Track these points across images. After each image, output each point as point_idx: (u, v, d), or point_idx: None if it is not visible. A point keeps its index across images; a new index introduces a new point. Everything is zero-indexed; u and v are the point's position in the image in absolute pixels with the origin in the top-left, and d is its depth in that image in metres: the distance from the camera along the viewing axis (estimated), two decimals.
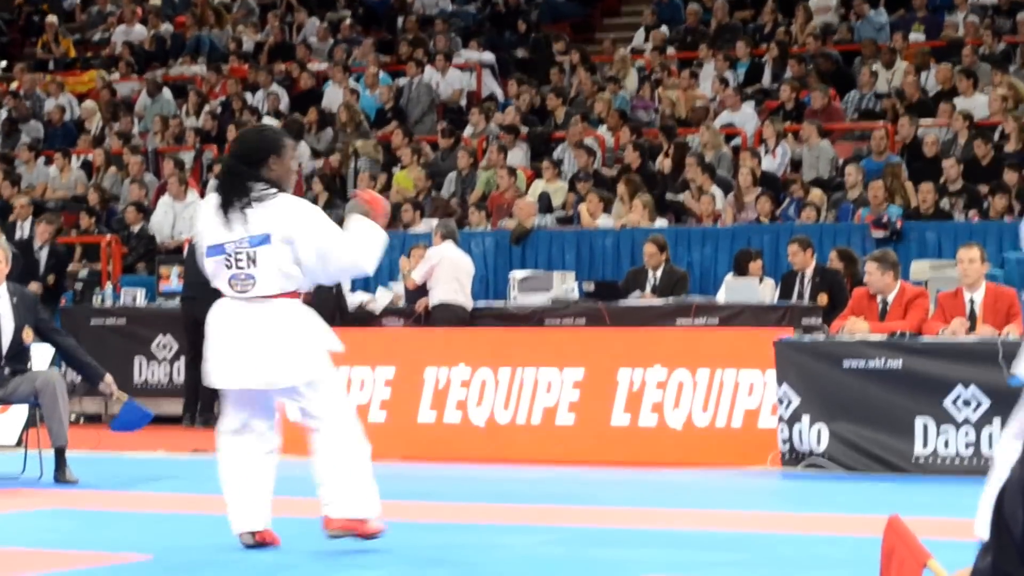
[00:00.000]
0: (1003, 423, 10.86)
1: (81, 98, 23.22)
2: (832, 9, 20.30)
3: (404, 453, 12.51)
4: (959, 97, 17.84)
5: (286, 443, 8.18)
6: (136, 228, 18.89)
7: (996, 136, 16.92)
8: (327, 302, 15.21)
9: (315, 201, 19.24)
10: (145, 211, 19.36)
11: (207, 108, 22.29)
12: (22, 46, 25.62)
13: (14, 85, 23.53)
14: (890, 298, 11.92)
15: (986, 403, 10.98)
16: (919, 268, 14.17)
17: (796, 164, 18.02)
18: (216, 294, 8.26)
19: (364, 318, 15.77)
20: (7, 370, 11.24)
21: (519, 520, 9.72)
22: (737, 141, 18.99)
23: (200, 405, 15.13)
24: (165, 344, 16.09)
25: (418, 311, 15.49)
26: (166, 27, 24.46)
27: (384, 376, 13.10)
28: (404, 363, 13.16)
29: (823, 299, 13.72)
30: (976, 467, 10.86)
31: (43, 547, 7.89)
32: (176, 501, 10.55)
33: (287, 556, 8.14)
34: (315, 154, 20.65)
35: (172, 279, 16.52)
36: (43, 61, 24.57)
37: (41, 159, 22.42)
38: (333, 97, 21.28)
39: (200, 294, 15.29)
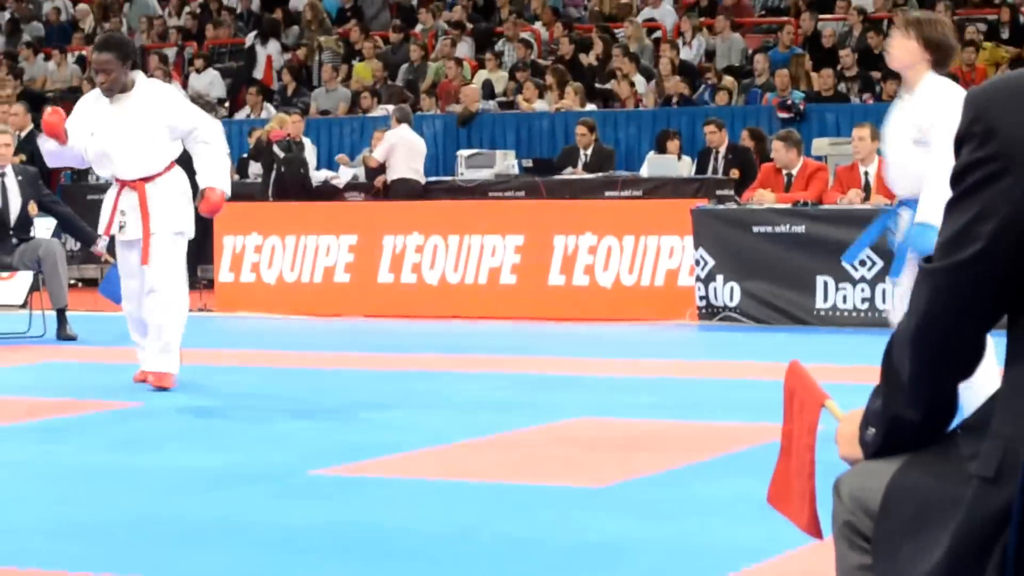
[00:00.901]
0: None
1: (75, 1, 23.20)
2: None
3: (366, 311, 12.95)
4: None
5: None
6: None
7: (885, 27, 17.08)
8: (295, 178, 15.40)
9: (284, 90, 19.63)
10: None
11: (187, 9, 22.11)
12: None
13: None
14: (794, 172, 12.09)
15: (879, 263, 11.06)
16: (820, 145, 14.35)
17: (710, 54, 18.09)
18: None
19: (329, 193, 15.79)
20: (14, 240, 11.48)
21: (469, 368, 9.86)
22: (658, 34, 19.04)
23: None
24: None
25: (377, 186, 15.48)
26: None
27: (348, 243, 13.25)
28: (365, 232, 13.25)
29: (735, 173, 13.90)
30: (871, 319, 11.14)
31: (46, 396, 7.96)
32: None
33: (248, 400, 8.31)
34: (284, 48, 20.50)
35: None
36: None
37: (40, 55, 22.39)
38: None
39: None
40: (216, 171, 8.37)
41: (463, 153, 16.00)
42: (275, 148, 15.56)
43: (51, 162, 9.02)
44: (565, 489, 5.81)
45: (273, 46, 20.31)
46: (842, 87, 16.38)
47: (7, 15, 23.87)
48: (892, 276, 7.29)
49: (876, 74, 16.35)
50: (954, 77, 15.48)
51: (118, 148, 8.22)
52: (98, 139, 8.28)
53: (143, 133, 8.25)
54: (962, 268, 2.33)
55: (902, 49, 6.61)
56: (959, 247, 2.32)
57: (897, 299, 7.04)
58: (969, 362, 2.45)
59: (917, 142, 6.55)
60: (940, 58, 6.69)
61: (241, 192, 15.52)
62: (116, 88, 8.21)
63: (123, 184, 8.35)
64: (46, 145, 8.46)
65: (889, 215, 7.04)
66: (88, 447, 6.94)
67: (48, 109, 8.65)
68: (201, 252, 14.65)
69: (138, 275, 8.39)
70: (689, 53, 18.02)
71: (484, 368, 9.84)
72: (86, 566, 4.63)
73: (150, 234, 8.21)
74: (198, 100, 16.72)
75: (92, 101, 8.54)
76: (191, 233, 8.55)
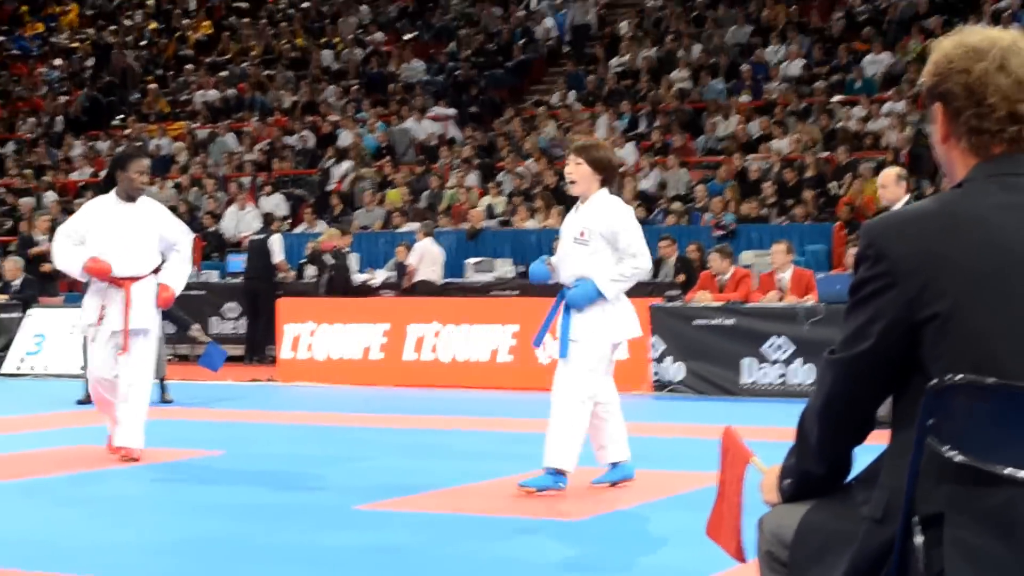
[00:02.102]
0: (804, 362, 11.16)
1: (173, 140, 23.16)
2: (687, 78, 20.39)
3: (395, 382, 12.48)
4: (774, 140, 17.91)
5: None
6: (211, 229, 18.75)
7: (798, 167, 17.06)
8: (341, 279, 15.42)
9: (333, 211, 19.70)
10: (217, 217, 19.14)
11: (258, 147, 21.93)
12: (133, 105, 25.29)
13: (128, 131, 23.45)
14: (726, 277, 11.75)
15: (791, 348, 10.79)
16: (746, 256, 13.99)
17: (663, 185, 17.81)
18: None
19: (367, 291, 15.60)
20: None
21: (475, 427, 9.50)
22: (623, 169, 18.85)
23: (254, 349, 15.21)
24: (232, 308, 16.04)
25: (405, 285, 15.31)
26: (231, 91, 24.28)
27: (381, 329, 12.98)
28: (394, 320, 13.02)
29: (681, 278, 13.60)
30: (784, 391, 10.76)
31: (153, 446, 7.65)
32: (242, 415, 10.47)
33: (305, 450, 8.02)
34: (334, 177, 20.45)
35: (235, 263, 16.58)
36: (146, 115, 24.38)
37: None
38: (345, 139, 21.19)
39: (255, 274, 15.74)
40: (179, 276, 7.58)
41: (471, 261, 15.87)
42: (326, 256, 15.45)
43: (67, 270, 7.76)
44: (549, 522, 5.71)
45: (338, 172, 20.25)
46: (764, 211, 16.18)
47: (121, 150, 23.81)
48: (561, 356, 6.21)
49: (790, 202, 16.18)
50: (833, 200, 15.85)
51: (120, 247, 7.25)
52: (103, 237, 7.26)
53: (142, 238, 7.36)
54: (858, 359, 2.18)
55: (577, 174, 6.14)
56: (856, 342, 2.17)
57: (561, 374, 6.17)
58: (862, 431, 2.31)
59: (577, 241, 6.15)
60: (608, 176, 6.28)
61: (298, 289, 15.50)
62: (141, 192, 7.46)
63: (113, 281, 7.28)
64: (75, 273, 7.54)
65: (560, 296, 6.28)
66: (182, 484, 6.85)
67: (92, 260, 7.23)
68: (267, 335, 14.68)
69: (112, 362, 7.32)
70: (646, 184, 17.82)
71: (486, 427, 9.64)
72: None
73: (129, 328, 7.24)
74: (268, 217, 16.90)
75: (103, 204, 7.48)
76: (157, 331, 7.77)
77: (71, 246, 7.38)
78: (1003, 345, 2.00)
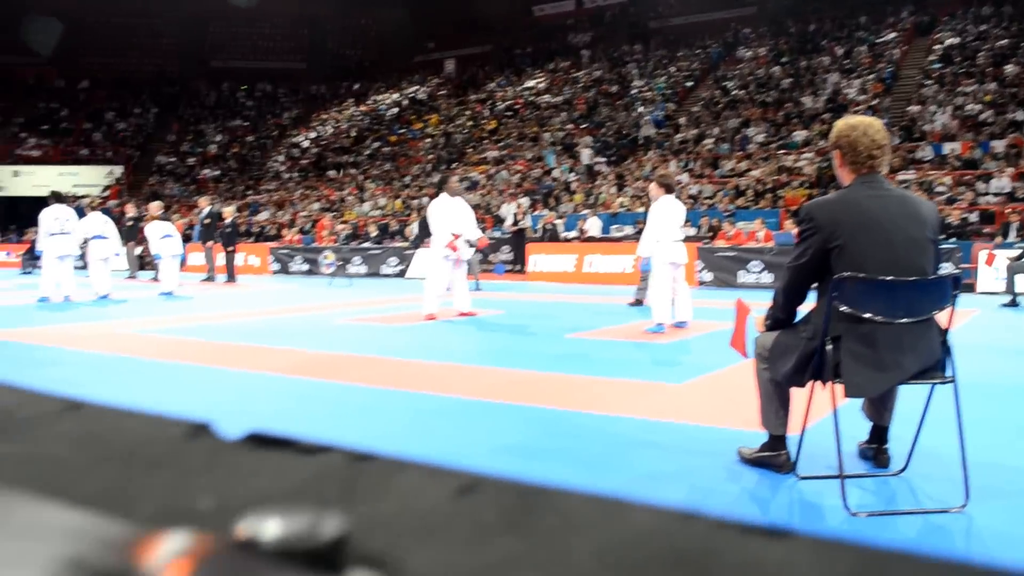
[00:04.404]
0: (767, 271, 16.55)
1: None
2: None
3: (581, 280, 19.24)
4: None
5: None
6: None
7: None
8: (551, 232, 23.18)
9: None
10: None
11: None
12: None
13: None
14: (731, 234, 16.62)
15: (762, 266, 17.41)
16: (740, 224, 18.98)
17: None
18: None
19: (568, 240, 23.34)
20: None
21: None
22: None
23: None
24: None
25: (583, 237, 23.29)
26: None
27: (574, 258, 20.60)
28: (579, 253, 20.64)
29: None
30: (758, 285, 17.04)
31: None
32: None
33: None
34: None
35: None
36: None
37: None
38: None
39: None
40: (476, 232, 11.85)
41: (613, 226, 24.14)
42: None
43: None
44: (648, 344, 9.95)
45: None
46: None
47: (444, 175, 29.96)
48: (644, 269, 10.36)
49: None
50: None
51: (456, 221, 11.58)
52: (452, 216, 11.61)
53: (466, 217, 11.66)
54: (802, 267, 3.70)
55: None
56: (800, 258, 3.70)
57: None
58: (802, 297, 3.81)
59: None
60: None
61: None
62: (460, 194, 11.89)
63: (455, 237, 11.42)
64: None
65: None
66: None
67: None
68: None
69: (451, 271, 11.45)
70: None
71: (618, 300, 13.69)
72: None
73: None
74: None
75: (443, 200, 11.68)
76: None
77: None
78: (867, 260, 3.60)
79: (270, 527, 0.48)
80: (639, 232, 20.16)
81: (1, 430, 0.73)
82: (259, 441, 0.65)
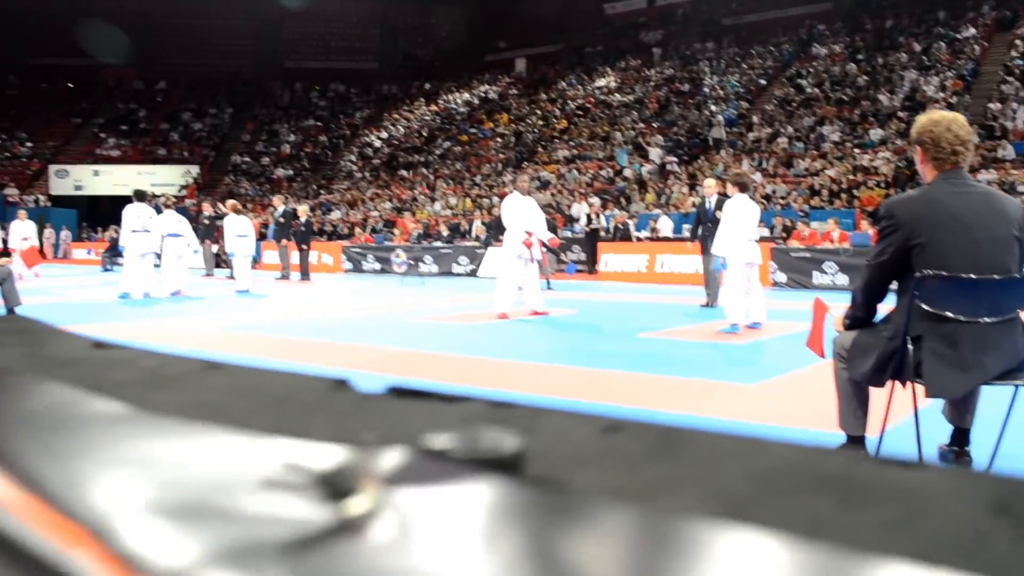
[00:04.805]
0: (842, 272, 17.01)
1: None
2: None
3: (652, 280, 20.05)
4: None
5: None
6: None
7: None
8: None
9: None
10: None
11: None
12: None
13: None
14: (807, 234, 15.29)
15: (837, 267, 17.43)
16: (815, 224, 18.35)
17: None
18: None
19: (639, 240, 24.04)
20: None
21: None
22: None
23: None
24: None
25: (655, 237, 24.40)
26: None
27: (644, 258, 21.17)
28: (650, 252, 21.46)
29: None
30: (834, 287, 17.37)
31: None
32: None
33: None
34: None
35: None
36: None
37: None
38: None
39: None
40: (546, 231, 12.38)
41: (685, 225, 23.27)
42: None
43: None
44: (722, 344, 9.85)
45: None
46: None
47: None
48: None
49: None
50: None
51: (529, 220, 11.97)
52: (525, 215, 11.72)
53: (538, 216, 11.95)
54: (881, 264, 3.61)
55: None
56: (880, 256, 3.61)
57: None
58: (881, 296, 3.72)
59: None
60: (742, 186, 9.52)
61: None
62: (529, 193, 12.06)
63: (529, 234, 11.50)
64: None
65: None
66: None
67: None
68: None
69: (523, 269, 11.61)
70: None
71: (689, 300, 13.49)
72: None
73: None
74: None
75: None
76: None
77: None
78: (949, 257, 3.54)
79: (459, 440, 0.52)
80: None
81: (152, 384, 0.78)
82: (401, 392, 0.69)
